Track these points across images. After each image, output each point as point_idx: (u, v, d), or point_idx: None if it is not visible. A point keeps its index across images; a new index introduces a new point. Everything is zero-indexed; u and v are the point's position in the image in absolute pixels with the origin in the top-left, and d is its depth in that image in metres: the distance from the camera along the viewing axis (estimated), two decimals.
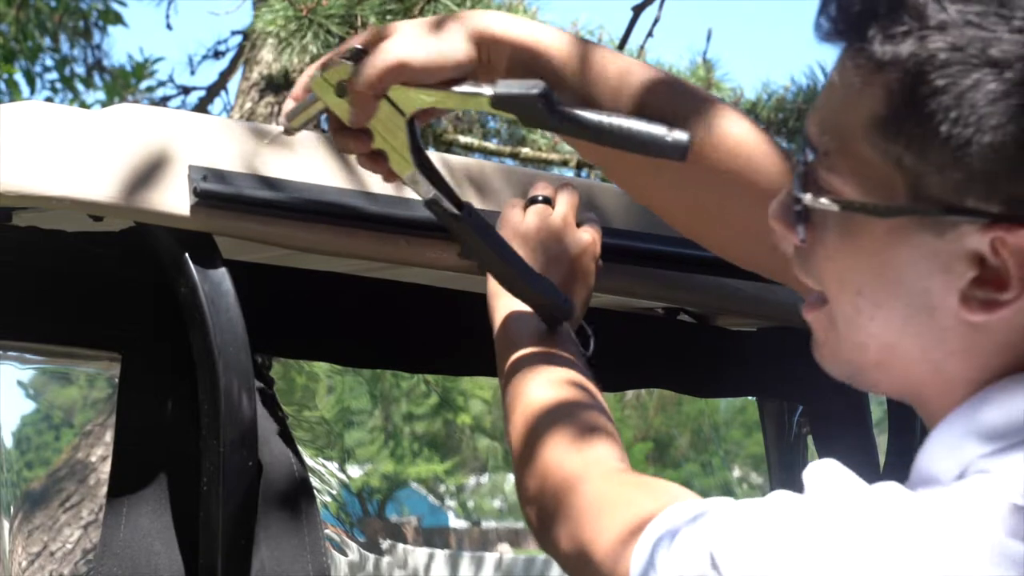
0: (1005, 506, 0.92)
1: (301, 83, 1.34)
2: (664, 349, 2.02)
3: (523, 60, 1.31)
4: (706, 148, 1.29)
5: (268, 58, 5.72)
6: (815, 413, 2.21)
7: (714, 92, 5.79)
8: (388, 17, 4.97)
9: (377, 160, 1.36)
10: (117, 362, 1.54)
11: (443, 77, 1.30)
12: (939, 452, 0.98)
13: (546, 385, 1.34)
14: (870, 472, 2.15)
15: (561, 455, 1.25)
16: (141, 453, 1.52)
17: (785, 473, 2.27)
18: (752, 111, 5.79)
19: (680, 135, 1.21)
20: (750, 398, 2.42)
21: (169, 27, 7.02)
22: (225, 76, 6.62)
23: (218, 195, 1.43)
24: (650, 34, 4.05)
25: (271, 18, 4.87)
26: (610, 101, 1.30)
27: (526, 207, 1.51)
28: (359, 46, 1.31)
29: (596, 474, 1.21)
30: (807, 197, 1.01)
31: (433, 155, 1.62)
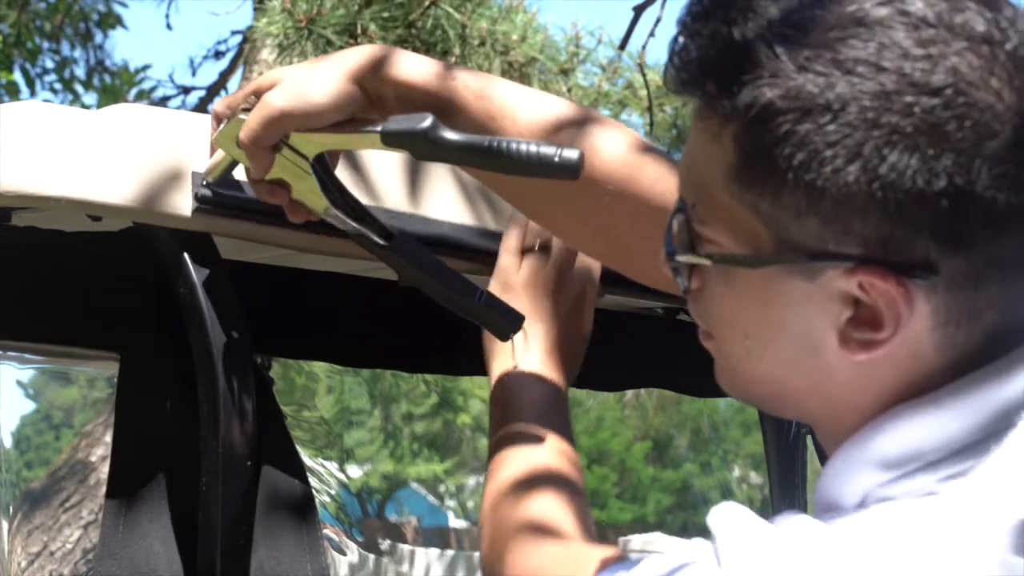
0: (908, 531, 0.94)
1: (212, 136, 1.36)
2: (664, 349, 2.01)
3: (407, 96, 1.31)
4: (595, 167, 1.29)
5: (268, 58, 5.72)
6: None
7: None
8: (388, 24, 4.97)
9: (297, 210, 1.37)
10: (117, 362, 1.53)
11: (332, 120, 1.30)
12: (838, 480, 1.00)
13: (525, 460, 1.37)
14: None
15: (515, 531, 1.30)
16: (140, 453, 1.52)
17: (784, 473, 2.27)
18: None
19: (570, 153, 1.21)
20: None
21: (169, 27, 7.03)
22: (225, 76, 6.63)
23: (220, 201, 1.43)
24: (652, 34, 4.04)
25: (270, 27, 4.86)
26: (495, 133, 1.30)
27: (522, 253, 1.50)
28: (255, 97, 1.31)
29: (537, 549, 1.26)
30: (680, 255, 1.02)
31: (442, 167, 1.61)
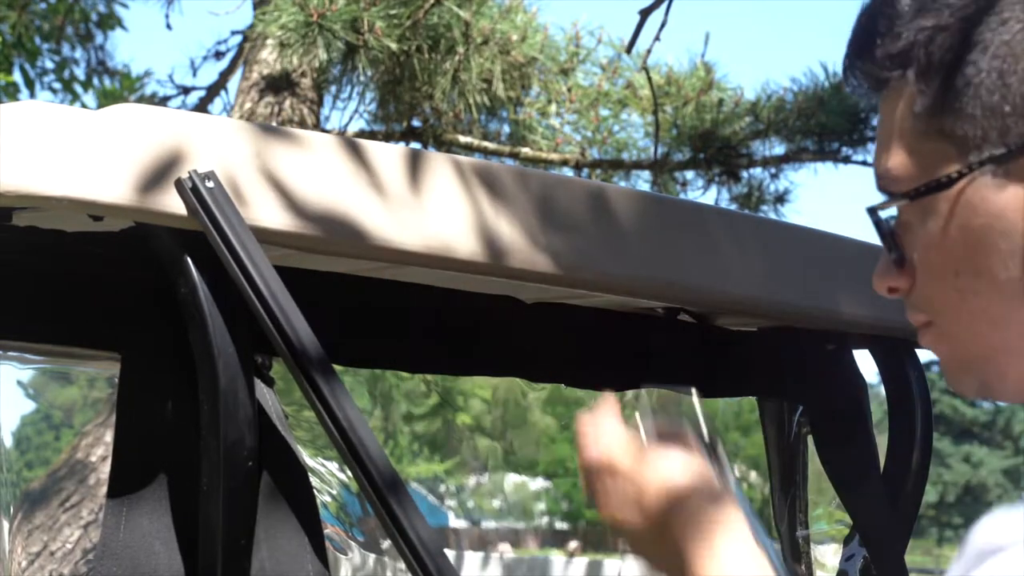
0: None
1: None
2: (664, 349, 2.02)
3: None
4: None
5: (268, 58, 5.72)
6: (815, 413, 2.21)
7: (715, 93, 5.79)
8: (394, 20, 4.97)
9: None
10: (117, 362, 1.53)
11: None
12: None
13: None
14: (870, 472, 2.15)
15: None
16: (141, 453, 1.52)
17: (785, 473, 2.27)
18: (752, 111, 5.79)
19: None
20: (750, 398, 2.42)
21: (169, 27, 7.02)
22: (225, 76, 6.62)
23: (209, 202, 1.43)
24: (657, 38, 4.03)
25: (276, 18, 4.85)
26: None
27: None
28: None
29: None
30: (880, 211, 1.05)
31: (439, 155, 1.62)
